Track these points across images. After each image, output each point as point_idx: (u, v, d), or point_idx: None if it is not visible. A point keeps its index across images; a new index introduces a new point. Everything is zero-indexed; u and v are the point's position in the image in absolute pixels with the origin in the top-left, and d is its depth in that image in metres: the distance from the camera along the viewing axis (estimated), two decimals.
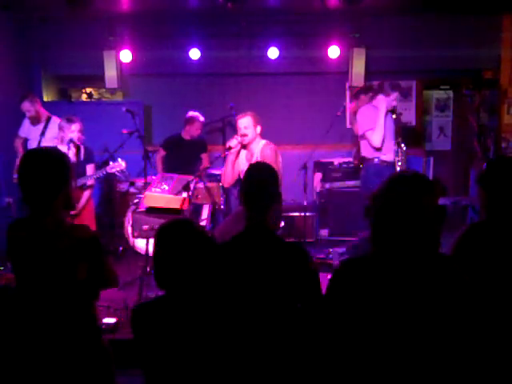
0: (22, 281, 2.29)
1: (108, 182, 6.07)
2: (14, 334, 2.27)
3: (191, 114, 6.14)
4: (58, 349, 2.22)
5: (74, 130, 4.75)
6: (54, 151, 2.37)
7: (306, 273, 2.30)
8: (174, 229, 2.02)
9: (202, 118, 6.14)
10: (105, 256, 2.36)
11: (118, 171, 4.94)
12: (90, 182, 4.86)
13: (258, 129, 4.39)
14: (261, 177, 2.44)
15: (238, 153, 4.44)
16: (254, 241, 2.33)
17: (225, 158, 4.58)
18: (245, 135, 4.33)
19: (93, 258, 2.27)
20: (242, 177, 4.44)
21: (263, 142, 4.42)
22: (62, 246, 2.20)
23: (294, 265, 2.29)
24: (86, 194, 4.87)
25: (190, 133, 6.13)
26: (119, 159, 4.93)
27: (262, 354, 2.22)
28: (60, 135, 4.86)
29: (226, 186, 4.67)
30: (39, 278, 2.23)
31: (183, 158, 6.11)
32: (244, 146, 4.42)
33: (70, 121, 4.82)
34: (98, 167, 5.07)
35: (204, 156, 6.36)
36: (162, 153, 6.26)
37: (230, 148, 4.33)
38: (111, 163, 4.88)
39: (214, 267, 2.06)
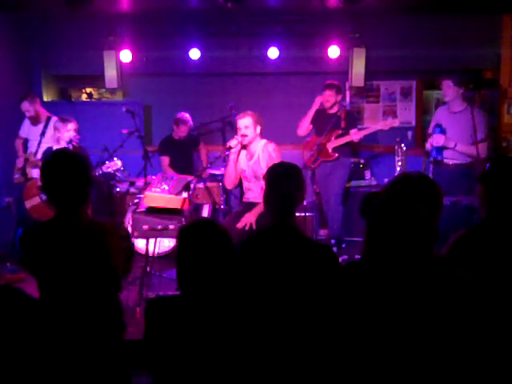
0: (52, 283, 2.25)
1: (107, 182, 6.06)
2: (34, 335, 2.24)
3: (180, 115, 6.12)
4: (87, 346, 2.21)
5: (70, 129, 4.74)
6: (77, 153, 2.44)
7: (334, 273, 2.27)
8: (197, 230, 2.00)
9: (189, 122, 6.10)
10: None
11: (113, 170, 4.94)
12: None
13: (258, 129, 4.35)
14: (288, 178, 2.42)
15: (239, 153, 4.42)
16: (282, 239, 2.30)
17: (225, 158, 4.56)
18: (244, 135, 4.30)
19: (129, 251, 2.43)
20: (242, 177, 4.48)
21: (264, 141, 4.40)
22: (109, 243, 2.25)
23: (322, 264, 2.27)
24: None
25: (178, 134, 6.16)
26: (115, 158, 4.94)
27: (283, 353, 2.19)
28: (56, 136, 4.84)
29: (229, 187, 4.62)
30: (77, 278, 2.21)
31: (178, 157, 6.13)
32: (244, 146, 4.40)
33: (64, 120, 4.81)
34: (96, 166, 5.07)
35: (202, 152, 6.40)
36: (166, 160, 6.22)
37: (230, 148, 4.30)
38: (107, 163, 4.90)
39: (233, 269, 2.03)
